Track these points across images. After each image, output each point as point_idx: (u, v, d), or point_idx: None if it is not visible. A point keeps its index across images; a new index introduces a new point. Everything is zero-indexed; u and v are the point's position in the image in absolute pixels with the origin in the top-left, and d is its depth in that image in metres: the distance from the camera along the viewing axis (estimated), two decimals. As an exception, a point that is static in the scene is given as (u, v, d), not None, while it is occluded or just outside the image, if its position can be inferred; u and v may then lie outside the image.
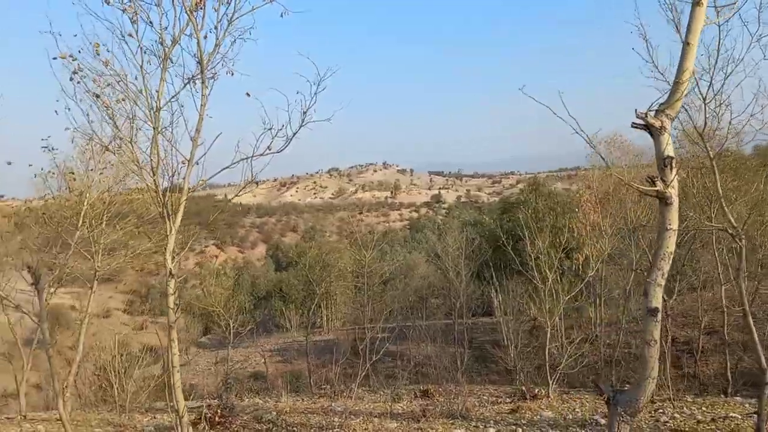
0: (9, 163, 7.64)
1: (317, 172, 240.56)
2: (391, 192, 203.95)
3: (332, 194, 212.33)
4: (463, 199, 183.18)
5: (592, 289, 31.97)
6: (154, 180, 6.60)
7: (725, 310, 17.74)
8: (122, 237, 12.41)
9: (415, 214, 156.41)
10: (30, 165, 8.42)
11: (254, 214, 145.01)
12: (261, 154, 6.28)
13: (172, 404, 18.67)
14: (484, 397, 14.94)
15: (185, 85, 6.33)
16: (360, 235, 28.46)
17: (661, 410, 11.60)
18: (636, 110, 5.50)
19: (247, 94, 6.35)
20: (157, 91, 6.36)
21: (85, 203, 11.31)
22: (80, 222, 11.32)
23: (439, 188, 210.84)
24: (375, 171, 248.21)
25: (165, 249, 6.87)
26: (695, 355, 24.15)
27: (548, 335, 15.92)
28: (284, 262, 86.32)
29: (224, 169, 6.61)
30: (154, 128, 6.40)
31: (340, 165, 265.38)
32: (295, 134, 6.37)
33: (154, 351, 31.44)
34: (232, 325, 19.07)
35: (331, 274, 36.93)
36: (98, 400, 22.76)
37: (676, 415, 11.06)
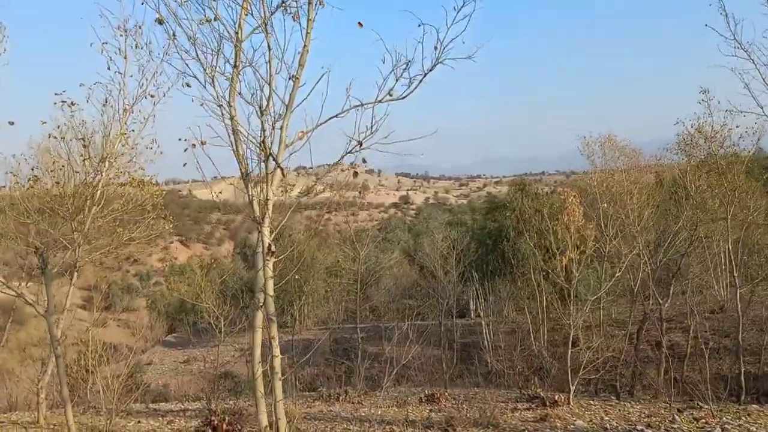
0: (11, 123, 6.47)
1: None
2: (360, 192, 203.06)
3: (300, 192, 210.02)
4: (431, 201, 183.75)
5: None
6: (235, 135, 5.37)
7: (739, 314, 17.36)
8: (110, 223, 11.25)
9: (384, 215, 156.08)
10: (44, 122, 6.95)
11: (220, 211, 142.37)
12: (379, 101, 5.12)
13: (152, 407, 17.40)
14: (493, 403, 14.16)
15: (278, 7, 5.15)
16: (346, 233, 27.40)
17: (705, 421, 10.88)
18: None
19: (360, 24, 5.26)
20: (236, 22, 5.23)
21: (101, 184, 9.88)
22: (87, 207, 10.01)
23: (407, 189, 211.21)
24: (342, 170, 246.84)
25: (257, 220, 5.60)
26: (683, 360, 23.92)
27: (570, 339, 15.22)
28: (252, 260, 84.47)
29: (332, 117, 5.32)
30: (234, 66, 5.15)
31: (307, 163, 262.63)
32: (427, 74, 5.12)
33: (115, 349, 29.95)
34: (223, 323, 17.94)
35: (315, 273, 35.89)
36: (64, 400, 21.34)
37: (727, 427, 10.37)
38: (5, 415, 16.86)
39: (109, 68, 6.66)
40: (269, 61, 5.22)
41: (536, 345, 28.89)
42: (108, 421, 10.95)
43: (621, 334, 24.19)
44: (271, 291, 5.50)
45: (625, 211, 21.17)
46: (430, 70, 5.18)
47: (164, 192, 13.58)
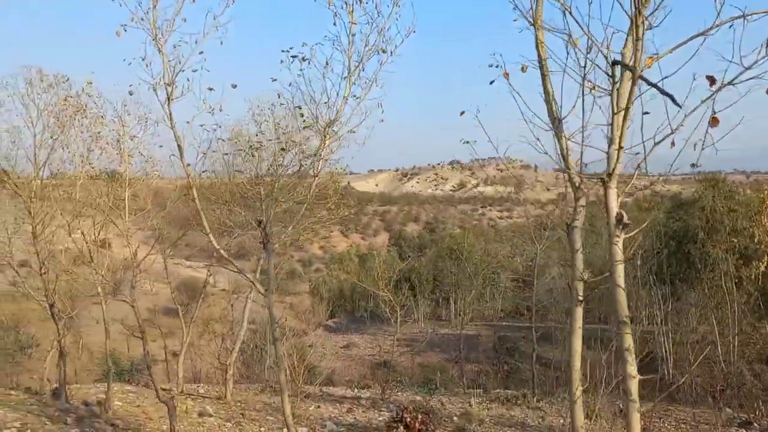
0: (233, 86, 6.52)
1: (439, 164, 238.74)
2: (515, 187, 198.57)
3: (453, 186, 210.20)
4: (591, 199, 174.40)
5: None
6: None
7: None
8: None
9: (540, 211, 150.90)
10: (274, 79, 6.70)
11: (377, 203, 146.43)
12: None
13: (325, 390, 17.71)
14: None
15: None
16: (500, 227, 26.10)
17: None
18: None
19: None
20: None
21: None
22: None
23: (566, 186, 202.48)
24: (497, 165, 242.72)
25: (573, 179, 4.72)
26: None
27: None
28: (407, 253, 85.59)
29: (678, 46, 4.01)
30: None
31: (461, 157, 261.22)
32: None
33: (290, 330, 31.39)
34: (398, 312, 17.87)
35: (486, 267, 35.12)
36: (242, 377, 22.63)
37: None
38: (191, 386, 18.05)
39: (335, 24, 6.39)
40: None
41: (724, 360, 25.74)
42: (293, 403, 11.05)
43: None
44: (622, 278, 4.12)
45: None
46: None
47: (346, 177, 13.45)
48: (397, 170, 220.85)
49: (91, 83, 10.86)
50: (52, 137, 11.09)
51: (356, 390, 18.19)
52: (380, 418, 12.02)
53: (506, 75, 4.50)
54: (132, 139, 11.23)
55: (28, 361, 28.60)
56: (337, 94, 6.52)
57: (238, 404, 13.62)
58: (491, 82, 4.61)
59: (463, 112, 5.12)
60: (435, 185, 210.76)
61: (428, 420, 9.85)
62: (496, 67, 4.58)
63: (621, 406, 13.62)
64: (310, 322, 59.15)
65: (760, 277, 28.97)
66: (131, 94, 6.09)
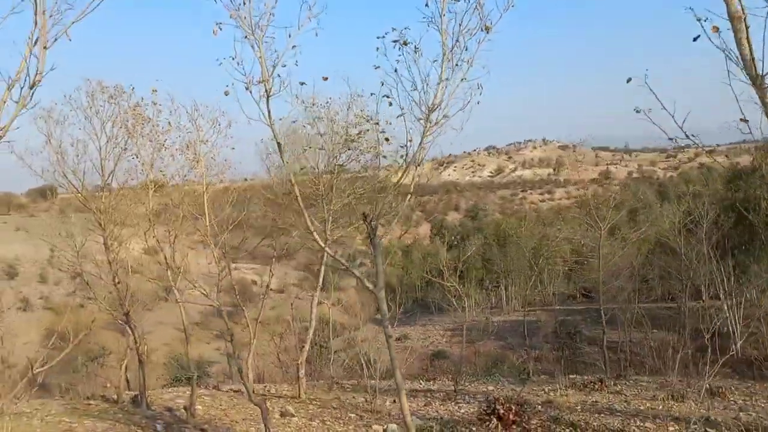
0: (325, 79, 6.36)
1: (474, 150, 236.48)
2: (554, 169, 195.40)
3: (491, 172, 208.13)
4: (635, 175, 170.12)
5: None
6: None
7: None
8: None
9: (582, 192, 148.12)
10: (377, 67, 6.47)
11: (416, 193, 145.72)
12: None
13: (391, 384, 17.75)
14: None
15: None
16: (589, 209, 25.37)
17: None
18: None
19: None
20: None
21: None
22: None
23: (607, 164, 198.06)
24: (534, 148, 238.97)
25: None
26: None
27: None
28: (450, 241, 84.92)
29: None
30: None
31: (497, 143, 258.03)
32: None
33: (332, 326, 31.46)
34: (466, 302, 17.70)
35: (545, 252, 34.57)
36: (306, 375, 22.72)
37: None
38: (258, 386, 18.17)
39: (427, 5, 6.14)
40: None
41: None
42: (373, 399, 10.99)
43: None
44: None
45: None
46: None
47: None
48: (433, 160, 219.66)
49: (155, 91, 10.96)
50: (118, 147, 11.25)
51: (423, 383, 18.07)
52: (461, 411, 11.86)
53: (715, 29, 4.13)
54: (205, 143, 11.26)
55: (100, 370, 29.38)
56: (440, 78, 6.30)
57: (315, 402, 13.64)
58: (695, 39, 4.21)
59: (629, 79, 4.84)
60: (473, 172, 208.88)
61: (521, 411, 9.62)
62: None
63: (709, 386, 13.15)
64: (360, 316, 59.40)
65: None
66: (227, 95, 5.98)
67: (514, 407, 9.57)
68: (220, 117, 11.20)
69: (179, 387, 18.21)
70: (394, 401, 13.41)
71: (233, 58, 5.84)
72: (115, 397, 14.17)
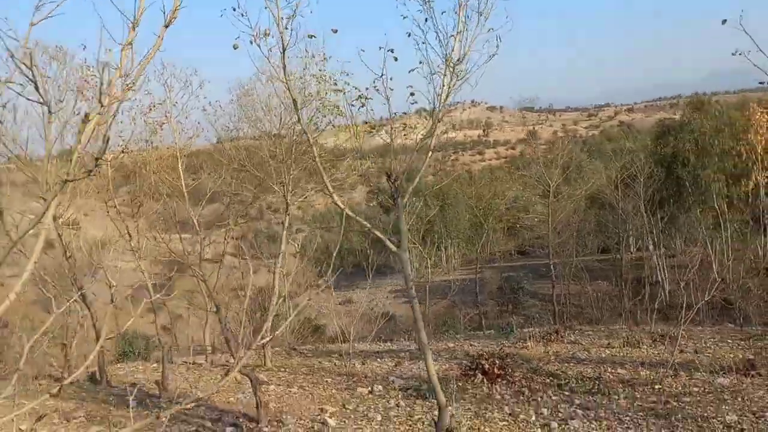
0: (335, 31, 5.88)
1: (404, 113, 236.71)
2: (483, 130, 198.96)
3: (422, 135, 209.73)
4: (560, 134, 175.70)
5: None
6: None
7: None
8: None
9: (512, 152, 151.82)
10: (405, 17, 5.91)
11: (349, 157, 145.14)
12: None
13: (359, 348, 17.67)
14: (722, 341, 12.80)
15: None
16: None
17: None
18: None
19: None
20: None
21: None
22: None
23: (533, 125, 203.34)
24: (464, 110, 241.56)
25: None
26: None
27: None
28: (386, 205, 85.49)
29: None
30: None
31: (427, 105, 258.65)
32: None
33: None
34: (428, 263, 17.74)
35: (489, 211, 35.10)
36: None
37: None
38: (217, 356, 17.82)
39: None
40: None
41: (722, 278, 26.53)
42: (348, 363, 10.95)
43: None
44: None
45: None
46: None
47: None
48: (365, 123, 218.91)
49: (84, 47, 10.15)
50: (64, 111, 10.43)
51: (380, 344, 18.23)
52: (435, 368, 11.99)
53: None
54: (175, 106, 10.61)
55: (39, 349, 27.90)
56: (461, 28, 6.12)
57: (283, 370, 13.47)
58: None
59: (725, 21, 4.83)
60: (404, 135, 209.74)
61: (505, 365, 9.86)
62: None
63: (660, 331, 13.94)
64: (300, 283, 59.14)
65: (749, 194, 29.54)
66: (236, 48, 5.58)
67: (497, 361, 9.80)
68: (191, 77, 10.59)
69: (128, 363, 17.63)
70: (363, 363, 13.47)
71: (235, 9, 5.47)
72: (66, 375, 13.59)
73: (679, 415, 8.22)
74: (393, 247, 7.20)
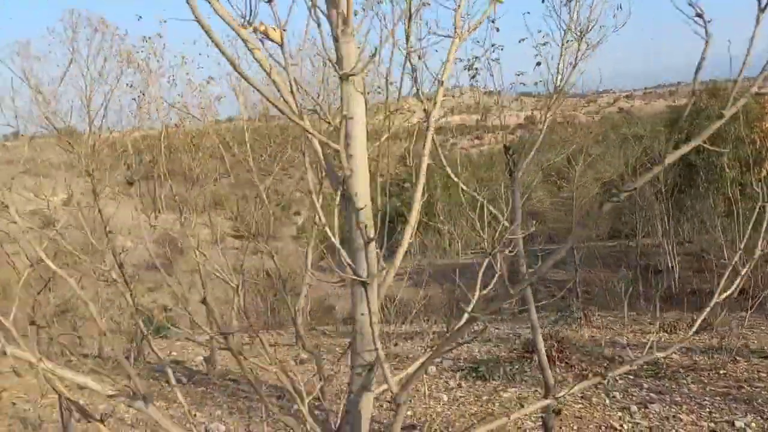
0: None
1: (403, 97, 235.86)
2: (481, 115, 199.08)
3: (419, 119, 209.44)
4: (559, 120, 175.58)
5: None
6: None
7: None
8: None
9: (511, 136, 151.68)
10: None
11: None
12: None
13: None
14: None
15: None
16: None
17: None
18: None
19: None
20: None
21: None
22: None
23: (531, 109, 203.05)
24: (461, 93, 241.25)
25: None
26: None
27: None
28: (390, 189, 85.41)
29: None
30: None
31: (425, 89, 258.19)
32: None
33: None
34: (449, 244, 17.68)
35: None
36: (266, 324, 22.41)
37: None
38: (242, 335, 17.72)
39: None
40: None
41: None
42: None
43: None
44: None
45: None
46: None
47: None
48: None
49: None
50: (108, 83, 10.19)
51: (401, 326, 18.17)
52: (476, 351, 11.98)
53: None
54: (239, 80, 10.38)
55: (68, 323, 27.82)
56: None
57: (317, 350, 13.38)
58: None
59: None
60: (402, 118, 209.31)
61: (562, 348, 9.86)
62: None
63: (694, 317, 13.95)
64: (299, 265, 59.10)
65: (763, 182, 29.47)
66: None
67: (556, 344, 9.80)
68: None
69: (157, 339, 17.53)
70: (396, 344, 13.47)
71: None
72: (97, 351, 13.55)
73: (759, 400, 8.23)
74: (506, 223, 7.02)
